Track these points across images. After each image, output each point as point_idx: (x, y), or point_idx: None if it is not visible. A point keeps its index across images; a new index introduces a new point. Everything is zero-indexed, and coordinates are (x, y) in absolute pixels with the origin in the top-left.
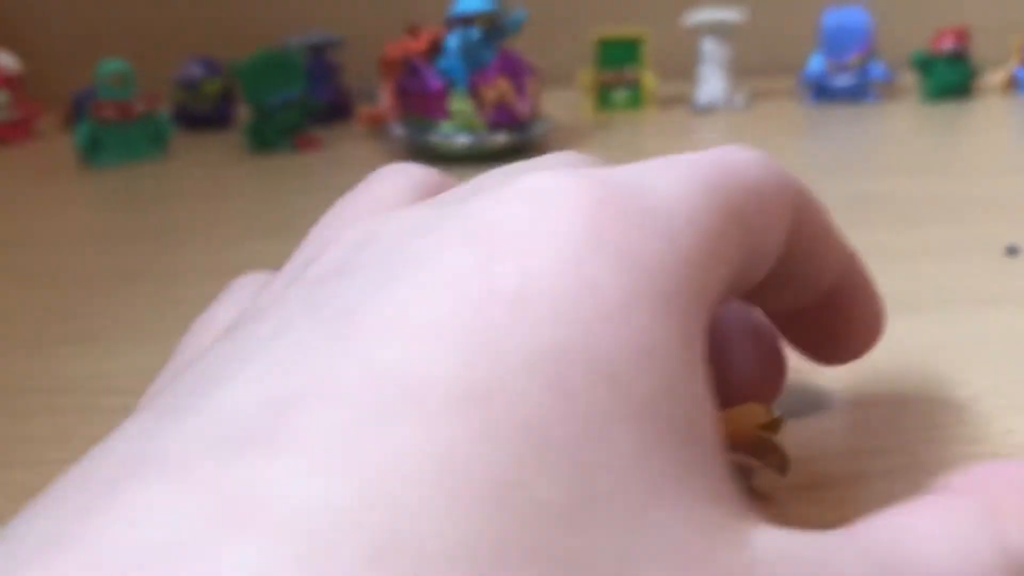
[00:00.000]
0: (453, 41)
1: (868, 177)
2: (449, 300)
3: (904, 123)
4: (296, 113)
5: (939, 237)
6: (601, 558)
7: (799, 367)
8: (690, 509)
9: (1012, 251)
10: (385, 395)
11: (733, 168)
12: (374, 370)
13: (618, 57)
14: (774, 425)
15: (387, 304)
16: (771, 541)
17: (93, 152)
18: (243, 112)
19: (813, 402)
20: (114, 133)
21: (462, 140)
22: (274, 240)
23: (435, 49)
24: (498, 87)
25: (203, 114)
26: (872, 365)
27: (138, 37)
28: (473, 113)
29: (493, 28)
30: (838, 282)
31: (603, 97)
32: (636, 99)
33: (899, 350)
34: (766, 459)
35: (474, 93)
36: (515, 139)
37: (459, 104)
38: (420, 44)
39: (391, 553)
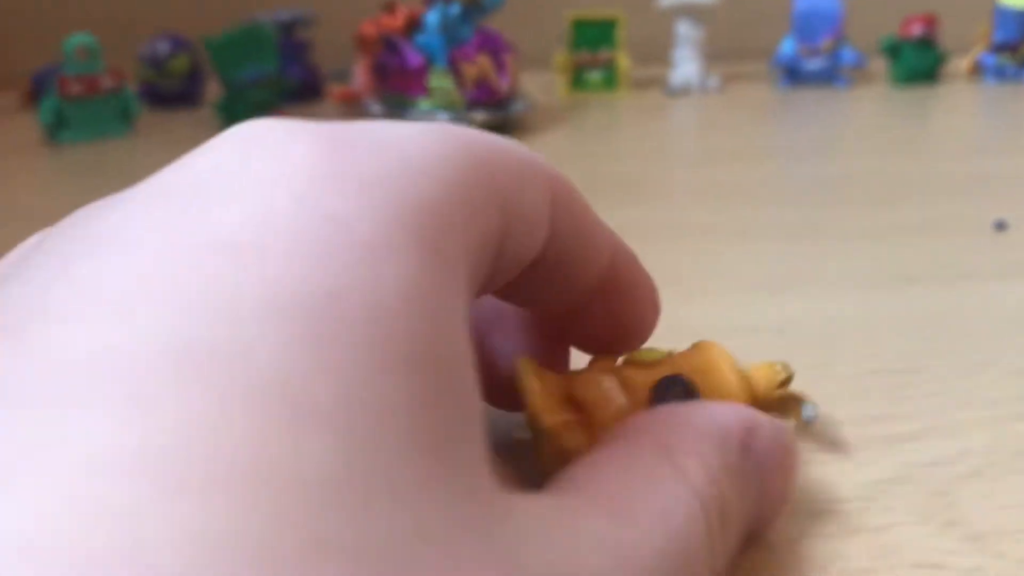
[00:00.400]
0: (433, 17)
1: (840, 158)
2: (150, 259)
3: (873, 106)
4: (268, 90)
5: (912, 216)
6: (381, 541)
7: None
8: (469, 477)
9: (1000, 227)
10: (73, 385)
11: (488, 141)
12: (57, 360)
13: (593, 38)
14: (788, 381)
15: (73, 283)
16: (527, 506)
17: (58, 128)
18: (212, 90)
19: (819, 373)
20: (80, 109)
21: (442, 118)
22: None
23: (412, 26)
24: (478, 64)
25: (170, 91)
26: (878, 336)
27: (101, 13)
28: (453, 90)
29: (472, 5)
30: (608, 272)
31: (578, 78)
32: (611, 80)
33: (905, 318)
34: (792, 413)
35: (454, 70)
36: (494, 117)
37: (439, 81)
38: (397, 20)
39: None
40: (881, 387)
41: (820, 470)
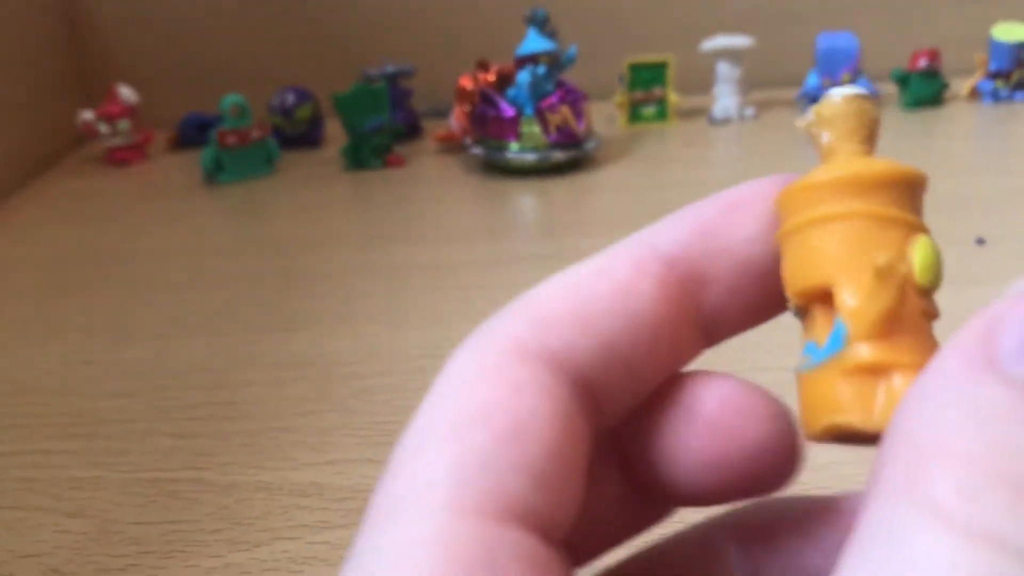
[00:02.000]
0: (523, 76)
1: None
2: None
3: (886, 129)
4: (385, 136)
5: None
6: None
7: None
8: None
9: (980, 242)
10: None
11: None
12: None
13: (646, 78)
14: None
15: None
16: None
17: (216, 172)
18: (330, 133)
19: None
20: (233, 156)
21: (530, 157)
22: (379, 248)
23: (503, 81)
24: (561, 114)
25: (295, 136)
26: None
27: (235, 68)
28: (539, 135)
29: (554, 63)
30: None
31: (634, 113)
32: (662, 113)
33: None
34: None
35: (540, 118)
36: (573, 154)
37: (528, 128)
38: (491, 76)
39: None
40: None
41: None
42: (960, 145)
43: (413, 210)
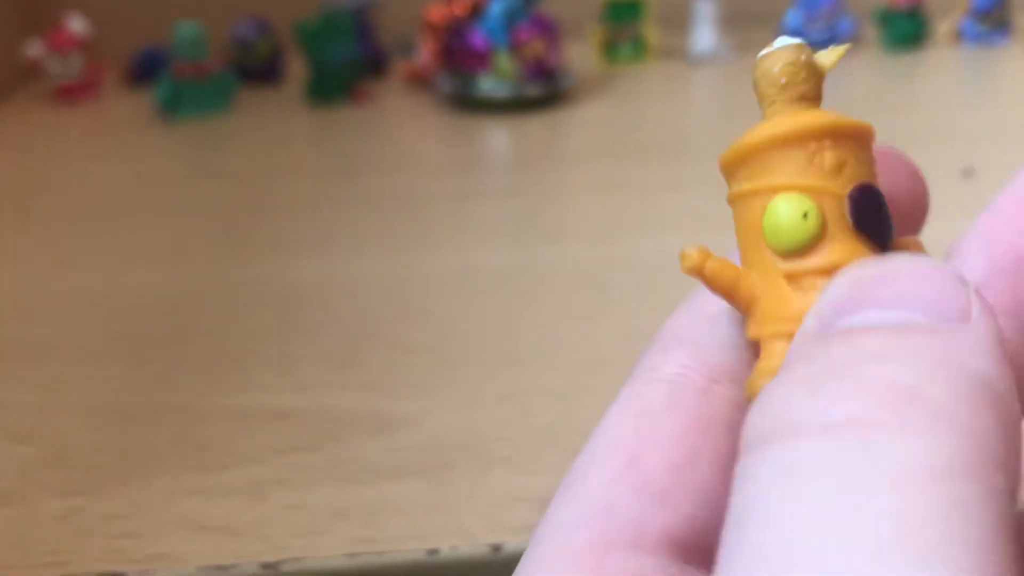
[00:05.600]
0: (496, 7)
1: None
2: None
3: (868, 69)
4: (350, 69)
5: None
6: None
7: None
8: None
9: (967, 173)
10: None
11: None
12: None
13: (623, 14)
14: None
15: None
16: None
17: (172, 107)
18: (292, 69)
19: None
20: (190, 89)
21: (502, 92)
22: (344, 179)
23: (475, 13)
24: (534, 47)
25: (255, 70)
26: None
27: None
28: (513, 68)
29: None
30: None
31: (610, 50)
32: (639, 51)
33: None
34: None
35: (513, 50)
36: (547, 89)
37: (501, 61)
38: (461, 9)
39: None
40: None
41: None
42: (943, 84)
43: (379, 144)
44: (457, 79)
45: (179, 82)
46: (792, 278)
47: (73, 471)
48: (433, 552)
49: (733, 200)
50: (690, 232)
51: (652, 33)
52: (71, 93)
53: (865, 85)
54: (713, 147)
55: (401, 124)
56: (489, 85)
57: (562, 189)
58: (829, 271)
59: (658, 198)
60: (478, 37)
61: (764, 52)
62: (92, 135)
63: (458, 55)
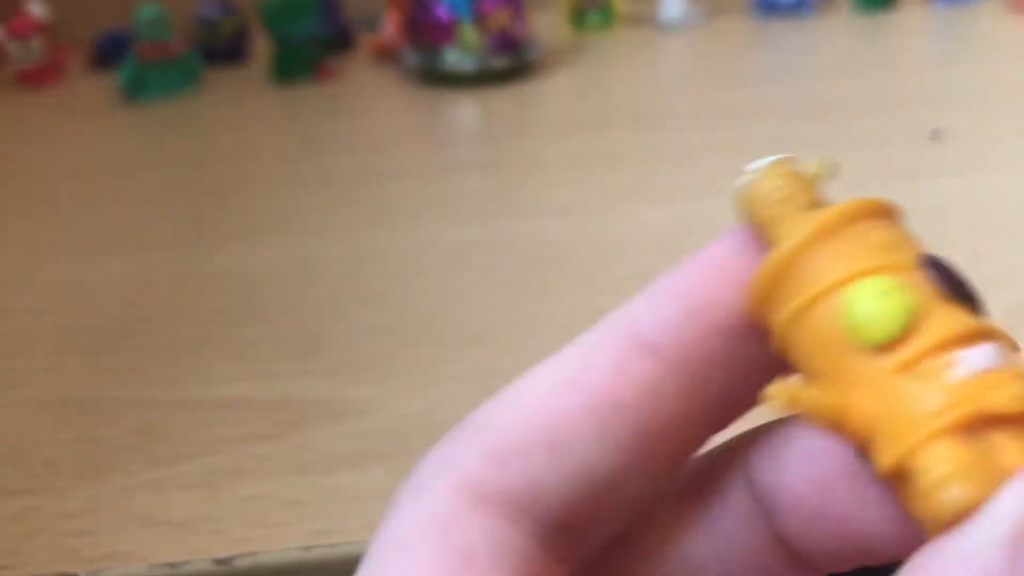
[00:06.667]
0: None
1: (812, 80)
2: None
3: (839, 33)
4: (316, 46)
5: (869, 126)
6: None
7: None
8: None
9: (935, 135)
10: None
11: None
12: None
13: None
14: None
15: None
16: None
17: (136, 89)
18: (259, 47)
19: None
20: (154, 71)
21: (469, 65)
22: (309, 158)
23: None
24: (499, 17)
25: (220, 50)
26: None
27: None
28: (479, 40)
29: None
30: None
31: (578, 19)
32: (608, 19)
33: None
34: None
35: (478, 22)
36: (514, 61)
37: (466, 33)
38: None
39: None
40: None
41: None
42: (914, 43)
43: (345, 121)
44: (423, 53)
45: (143, 64)
46: (906, 368)
47: (27, 468)
48: None
49: (788, 325)
50: (661, 203)
51: (620, 1)
52: (33, 78)
53: (835, 48)
54: (685, 115)
55: (368, 100)
56: (455, 58)
57: (530, 162)
58: (943, 346)
59: (628, 169)
60: (442, 9)
61: (745, 179)
62: (55, 120)
63: (423, 28)
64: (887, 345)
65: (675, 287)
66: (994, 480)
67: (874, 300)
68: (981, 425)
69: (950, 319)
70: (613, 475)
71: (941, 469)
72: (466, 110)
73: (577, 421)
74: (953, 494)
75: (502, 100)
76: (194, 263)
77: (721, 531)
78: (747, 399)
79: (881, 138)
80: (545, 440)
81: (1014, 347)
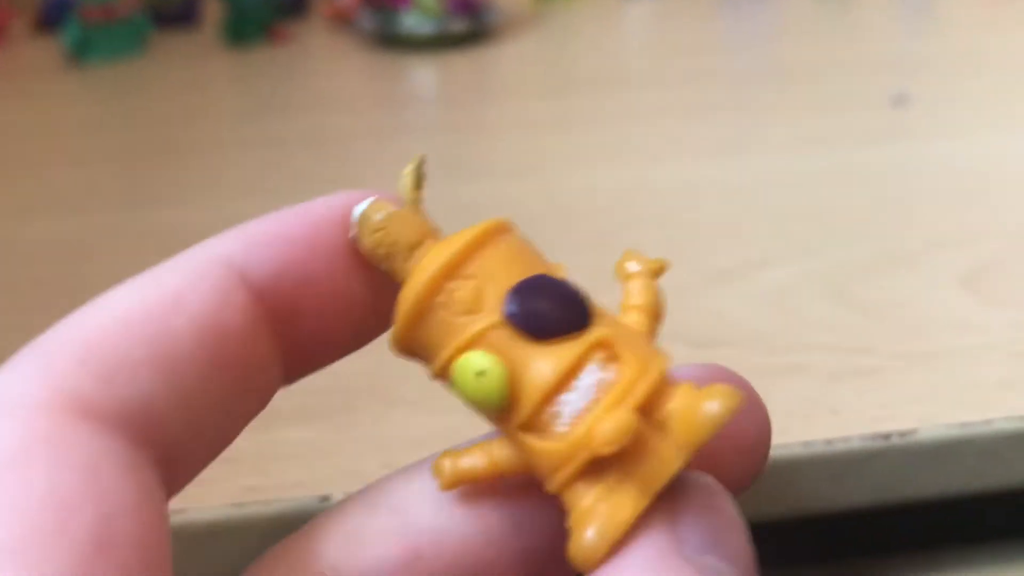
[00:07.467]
0: None
1: (774, 46)
2: None
3: (800, 14)
4: (269, 9)
5: (832, 92)
6: None
7: None
8: None
9: (898, 100)
10: None
11: None
12: None
13: None
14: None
15: None
16: None
17: (82, 51)
18: (211, 12)
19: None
20: (100, 34)
21: (427, 29)
22: (260, 121)
23: None
24: None
25: (171, 13)
26: (796, 187)
27: None
28: (437, 3)
29: None
30: None
31: None
32: None
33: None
34: None
35: None
36: (473, 25)
37: None
38: None
39: None
40: None
41: None
42: (878, 11)
43: (298, 84)
44: (379, 16)
45: (88, 26)
46: (525, 429)
47: None
48: (325, 499)
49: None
50: (620, 166)
51: None
52: None
53: (798, 15)
54: (646, 80)
55: (322, 64)
56: (412, 21)
57: (486, 126)
58: (545, 399)
59: (587, 132)
60: None
61: (353, 224)
62: (9, 82)
63: None
64: (504, 411)
65: (278, 235)
66: (613, 521)
67: (472, 383)
68: (596, 468)
69: (543, 367)
70: (213, 403)
71: (572, 516)
72: (424, 74)
73: (184, 343)
74: (584, 541)
75: (460, 64)
76: (136, 223)
77: None
78: (324, 356)
79: (843, 104)
80: (153, 360)
81: (611, 355)
